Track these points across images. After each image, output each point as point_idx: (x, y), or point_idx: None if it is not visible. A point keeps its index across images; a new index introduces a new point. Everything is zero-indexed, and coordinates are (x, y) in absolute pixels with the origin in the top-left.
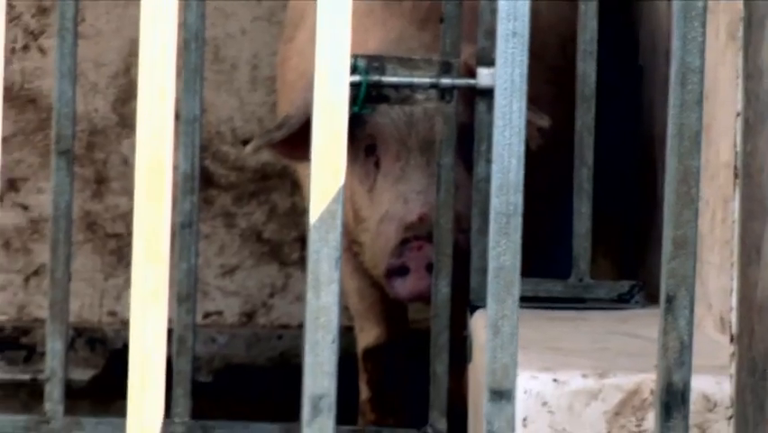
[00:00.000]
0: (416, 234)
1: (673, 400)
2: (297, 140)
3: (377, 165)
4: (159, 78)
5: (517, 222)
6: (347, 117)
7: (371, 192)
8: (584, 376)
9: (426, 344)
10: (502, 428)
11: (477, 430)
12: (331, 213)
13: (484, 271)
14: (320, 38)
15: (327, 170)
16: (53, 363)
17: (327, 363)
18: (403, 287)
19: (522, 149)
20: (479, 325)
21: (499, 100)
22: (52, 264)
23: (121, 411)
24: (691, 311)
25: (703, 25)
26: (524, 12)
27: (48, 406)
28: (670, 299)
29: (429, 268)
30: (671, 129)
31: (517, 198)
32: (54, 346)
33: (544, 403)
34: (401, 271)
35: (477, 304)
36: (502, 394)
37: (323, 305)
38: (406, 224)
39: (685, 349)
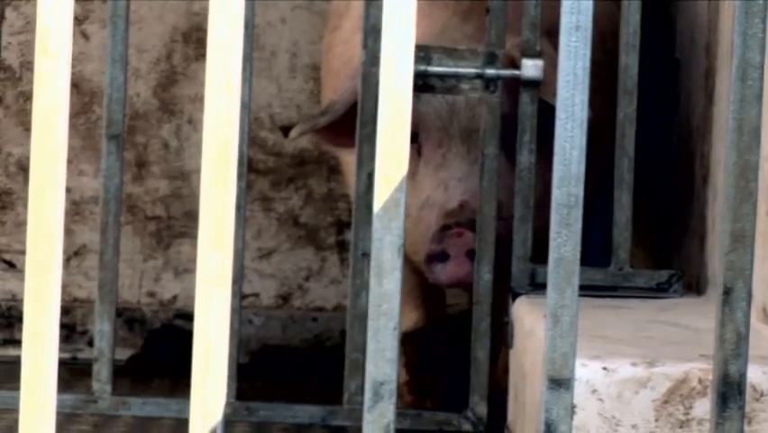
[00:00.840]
0: (457, 221)
1: (730, 390)
2: (341, 126)
3: (419, 152)
4: (227, 65)
5: (578, 213)
6: (411, 106)
7: (413, 179)
8: (633, 364)
9: (464, 328)
10: (560, 416)
11: (516, 415)
12: (394, 201)
13: (526, 258)
14: (386, 28)
15: (391, 158)
16: (101, 343)
17: (389, 350)
18: (443, 272)
19: (584, 141)
20: (521, 311)
21: (562, 93)
22: (102, 246)
23: (159, 391)
24: (749, 303)
25: (764, 21)
26: (587, 6)
27: (96, 386)
28: (727, 291)
29: (469, 254)
30: (730, 124)
31: (579, 190)
32: (103, 327)
33: (594, 391)
34: (441, 256)
35: (518, 291)
36: (561, 383)
37: (385, 292)
38: (446, 210)
39: (742, 340)
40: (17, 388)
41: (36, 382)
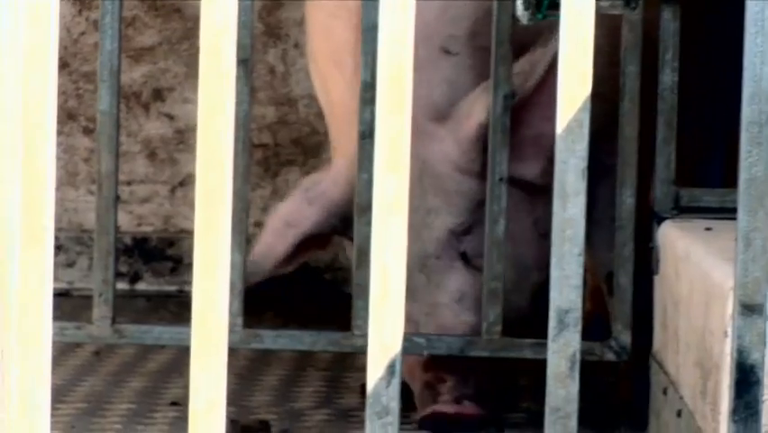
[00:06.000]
0: (437, 377)
1: None
2: None
3: None
4: None
5: None
6: (593, 27)
7: None
8: None
9: None
10: (753, 342)
11: (666, 343)
12: (578, 121)
13: (669, 181)
14: None
15: (574, 76)
16: (233, 275)
17: (574, 277)
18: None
19: None
20: (670, 236)
21: (751, 6)
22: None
23: (275, 325)
24: None
25: None
26: None
27: (228, 318)
28: None
29: (457, 400)
30: None
31: None
32: (233, 258)
33: None
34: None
35: (662, 215)
36: (753, 309)
37: (570, 217)
38: (423, 361)
39: None
40: (128, 322)
41: (208, 315)
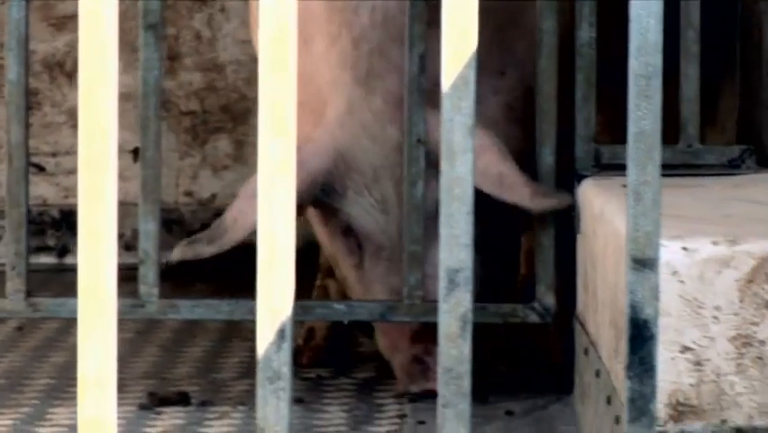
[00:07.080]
0: (427, 350)
1: None
2: None
3: (359, 246)
4: None
5: (657, 84)
6: None
7: (359, 270)
8: (714, 244)
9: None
10: (646, 297)
11: (587, 304)
12: (463, 79)
13: (589, 138)
14: None
15: (459, 34)
16: (146, 244)
17: (464, 236)
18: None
19: (660, 9)
20: (588, 194)
21: None
22: (143, 143)
23: (202, 295)
24: None
25: None
26: None
27: (143, 289)
28: None
29: None
30: None
31: (656, 60)
32: (147, 228)
33: (674, 273)
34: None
35: (583, 173)
36: (645, 263)
37: (457, 175)
38: (411, 332)
39: None
40: (51, 296)
41: (95, 285)
